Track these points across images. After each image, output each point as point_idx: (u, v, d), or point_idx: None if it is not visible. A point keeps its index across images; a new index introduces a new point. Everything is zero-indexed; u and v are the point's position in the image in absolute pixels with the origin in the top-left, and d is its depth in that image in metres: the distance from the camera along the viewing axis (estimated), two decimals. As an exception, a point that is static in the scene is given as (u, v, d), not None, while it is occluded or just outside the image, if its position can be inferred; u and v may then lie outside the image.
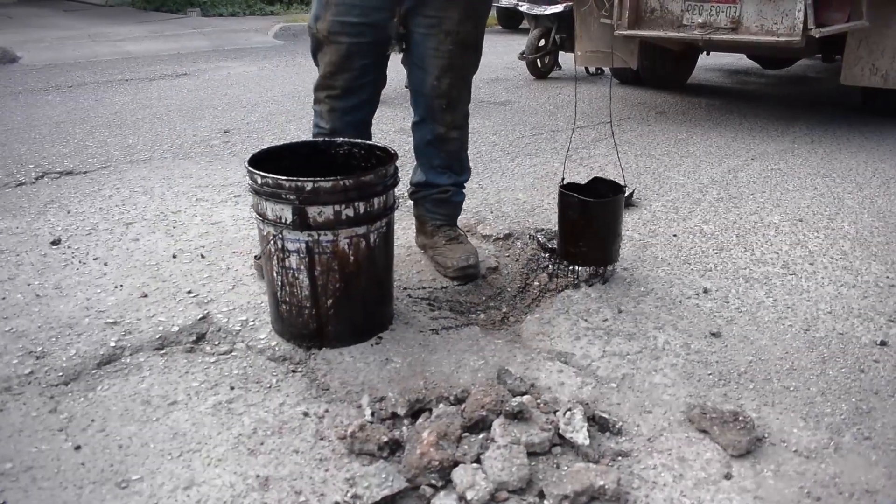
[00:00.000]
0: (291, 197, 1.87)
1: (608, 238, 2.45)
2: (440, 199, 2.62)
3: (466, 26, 2.34)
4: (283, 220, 1.91)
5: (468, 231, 2.99)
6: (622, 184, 2.47)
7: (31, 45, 8.08)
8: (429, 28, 2.31)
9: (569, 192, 2.42)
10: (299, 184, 1.86)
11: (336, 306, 2.02)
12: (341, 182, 1.88)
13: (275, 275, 2.02)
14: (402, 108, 5.29)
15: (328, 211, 1.90)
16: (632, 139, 4.70)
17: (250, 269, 2.55)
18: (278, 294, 2.04)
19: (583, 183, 2.57)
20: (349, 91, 2.36)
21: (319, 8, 2.28)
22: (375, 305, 2.14)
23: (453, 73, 2.40)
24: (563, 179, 2.52)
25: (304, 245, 1.93)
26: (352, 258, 1.98)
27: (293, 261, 1.96)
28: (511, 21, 12.88)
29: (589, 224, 2.43)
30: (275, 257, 1.98)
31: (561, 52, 7.25)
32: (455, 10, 2.29)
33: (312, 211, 1.89)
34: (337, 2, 2.24)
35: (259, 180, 1.92)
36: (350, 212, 1.92)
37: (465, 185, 2.73)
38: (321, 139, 2.32)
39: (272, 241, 1.96)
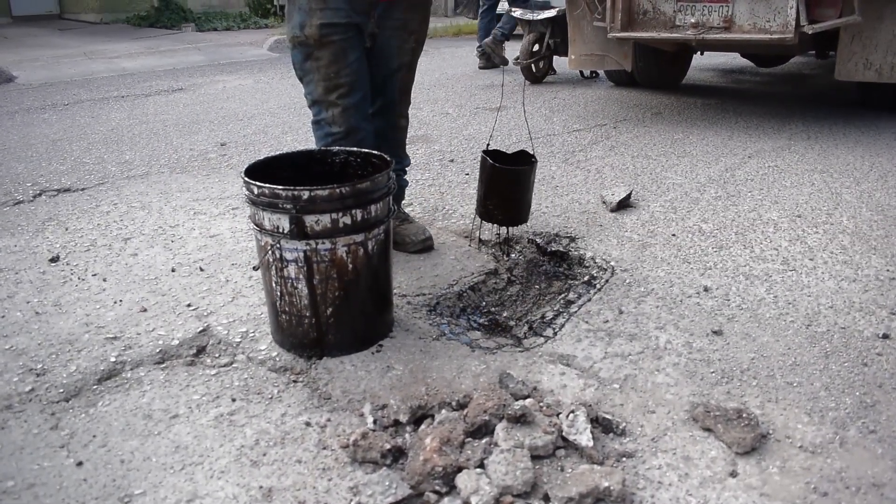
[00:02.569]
0: (288, 206, 1.87)
1: (514, 201, 2.77)
2: None
3: (424, 27, 2.66)
4: (281, 230, 1.91)
5: (465, 235, 2.99)
6: (534, 157, 2.80)
7: (26, 65, 8.10)
8: (395, 29, 2.55)
9: (486, 157, 2.74)
10: (296, 193, 1.86)
11: (336, 315, 2.01)
12: (338, 190, 1.88)
13: (273, 285, 2.01)
14: (397, 116, 5.28)
15: (325, 219, 1.89)
16: (628, 140, 4.70)
17: (249, 281, 2.55)
18: (277, 304, 2.03)
19: (508, 152, 2.91)
20: (354, 86, 2.48)
21: (303, 17, 2.39)
22: (375, 313, 2.13)
23: (410, 69, 2.70)
24: (487, 145, 2.89)
25: (302, 254, 1.93)
26: (350, 266, 1.97)
27: (292, 270, 1.95)
28: (505, 27, 12.90)
29: (499, 187, 2.74)
30: (273, 267, 1.98)
31: (556, 57, 7.26)
32: (416, 12, 2.59)
33: (310, 219, 1.89)
34: (322, 7, 2.36)
35: (256, 190, 1.91)
36: (347, 220, 1.92)
37: (407, 169, 2.96)
38: (317, 149, 2.32)
39: (270, 251, 1.96)
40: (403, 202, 3.01)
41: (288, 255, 1.94)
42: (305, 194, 1.86)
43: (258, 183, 1.90)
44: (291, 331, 2.05)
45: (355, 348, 2.08)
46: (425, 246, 2.82)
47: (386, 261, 2.12)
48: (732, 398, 1.85)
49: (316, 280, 1.96)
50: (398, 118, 2.75)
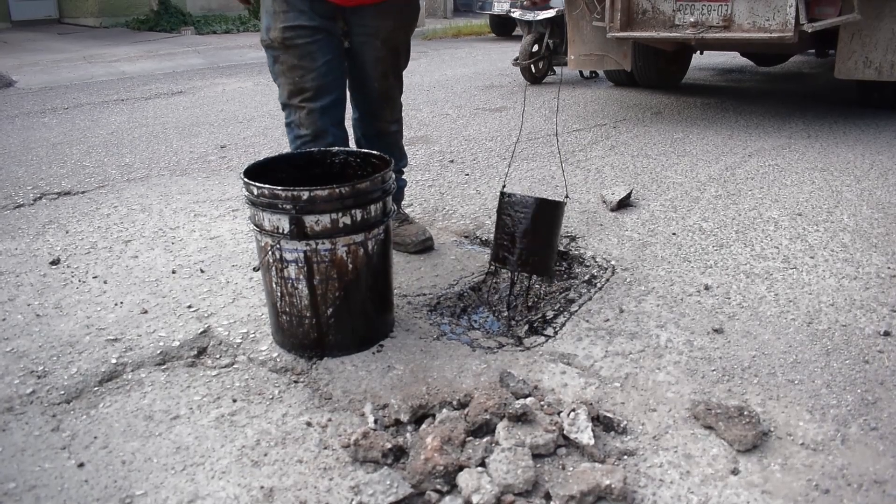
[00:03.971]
0: (288, 206, 1.87)
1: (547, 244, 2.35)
2: None
3: (399, 34, 2.56)
4: (281, 230, 1.91)
5: (466, 236, 2.99)
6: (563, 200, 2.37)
7: (26, 69, 8.11)
8: (367, 37, 2.48)
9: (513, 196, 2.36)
10: (296, 193, 1.86)
11: (336, 315, 2.01)
12: (338, 190, 1.88)
13: (274, 285, 2.01)
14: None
15: (325, 219, 1.89)
16: (628, 140, 4.70)
17: (250, 282, 2.55)
18: (278, 305, 2.03)
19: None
20: (321, 90, 2.42)
21: (268, 20, 2.38)
22: (376, 313, 2.13)
23: (392, 76, 2.62)
24: (503, 186, 2.51)
25: (302, 254, 1.93)
26: (350, 266, 1.97)
27: (292, 270, 1.95)
28: (504, 28, 12.95)
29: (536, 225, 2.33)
30: (273, 268, 1.98)
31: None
32: (388, 20, 2.48)
33: (310, 220, 1.89)
34: (285, 10, 2.34)
35: (255, 191, 1.91)
36: (347, 220, 1.92)
37: (405, 170, 2.93)
38: (317, 149, 2.31)
39: (270, 252, 1.96)
40: (403, 203, 3.01)
41: (288, 256, 1.94)
42: (305, 195, 1.86)
43: (257, 184, 1.91)
44: (292, 331, 2.05)
45: (356, 348, 2.07)
46: (425, 246, 2.81)
47: (386, 261, 2.12)
48: (733, 396, 1.85)
49: (316, 280, 1.96)
50: (385, 124, 2.71)
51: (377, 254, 2.04)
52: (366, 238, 1.98)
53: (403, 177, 2.93)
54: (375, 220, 1.99)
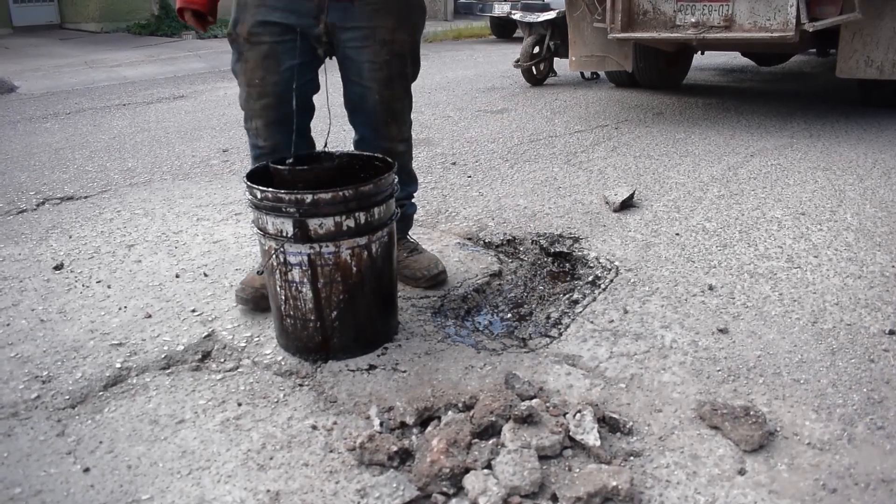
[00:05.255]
0: (292, 210, 1.87)
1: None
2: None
3: (401, 35, 2.23)
4: (285, 234, 1.91)
5: (469, 238, 2.99)
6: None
7: (28, 74, 8.12)
8: (362, 40, 2.18)
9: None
10: (299, 196, 1.86)
11: (340, 318, 2.01)
12: (341, 193, 1.88)
13: (278, 289, 2.01)
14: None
15: (329, 222, 1.89)
16: (630, 141, 4.70)
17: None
18: (282, 308, 2.03)
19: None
20: (283, 98, 2.20)
21: (239, 12, 2.18)
22: (381, 316, 2.13)
23: (395, 85, 2.28)
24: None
25: (306, 258, 1.93)
26: (354, 269, 1.97)
27: (296, 274, 1.95)
28: (504, 30, 12.95)
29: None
30: (277, 271, 1.98)
31: (556, 58, 7.27)
32: (387, 18, 2.18)
33: (313, 223, 1.89)
34: (258, 3, 2.13)
35: (259, 195, 1.91)
36: (351, 222, 1.92)
37: (415, 195, 2.65)
38: (320, 151, 2.30)
39: (274, 255, 1.96)
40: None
41: (292, 259, 1.94)
42: (308, 198, 1.86)
43: (261, 187, 1.91)
44: (296, 335, 2.05)
45: (361, 351, 2.07)
46: (438, 280, 2.50)
47: (390, 264, 2.12)
48: (739, 396, 1.84)
49: (320, 283, 1.96)
50: (391, 143, 2.36)
51: (381, 257, 2.04)
52: (370, 241, 1.98)
53: (413, 200, 2.63)
54: (379, 222, 1.99)
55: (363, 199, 1.92)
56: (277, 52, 2.16)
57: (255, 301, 2.31)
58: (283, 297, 2.01)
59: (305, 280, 1.95)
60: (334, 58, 2.30)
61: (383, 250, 2.04)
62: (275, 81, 2.19)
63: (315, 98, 2.34)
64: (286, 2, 2.11)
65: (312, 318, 2.00)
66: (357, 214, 1.92)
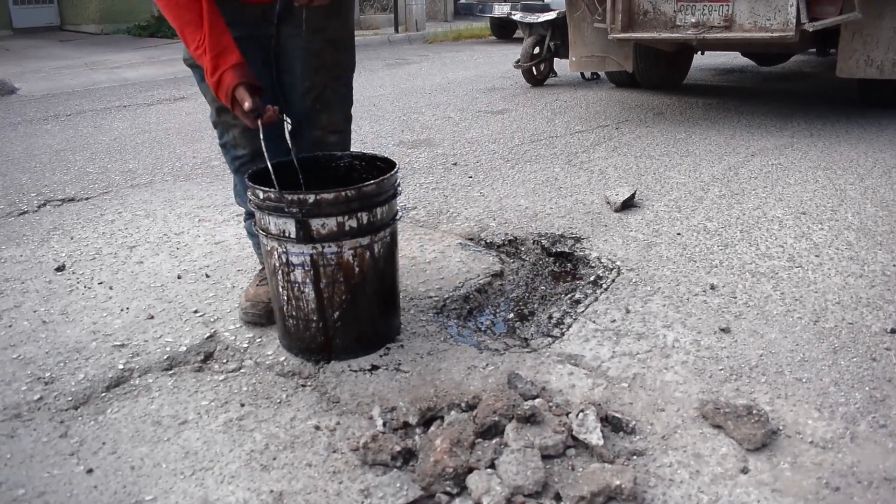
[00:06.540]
0: (294, 210, 1.87)
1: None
2: None
3: (334, 23, 2.19)
4: (287, 234, 1.91)
5: (471, 238, 2.99)
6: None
7: (28, 76, 8.12)
8: (294, 28, 2.13)
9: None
10: (302, 197, 1.86)
11: (343, 318, 2.01)
12: (344, 193, 1.88)
13: (280, 289, 2.01)
14: (400, 121, 5.31)
15: (331, 223, 1.90)
16: (631, 141, 4.70)
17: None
18: (284, 309, 2.03)
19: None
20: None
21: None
22: (383, 316, 2.13)
23: (326, 72, 2.23)
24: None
25: (308, 258, 1.93)
26: (357, 269, 1.97)
27: (298, 274, 1.95)
28: (505, 31, 12.96)
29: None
30: (279, 272, 1.98)
31: (556, 59, 7.28)
32: (322, 10, 2.09)
33: (316, 223, 1.89)
34: None
35: (261, 195, 1.91)
36: (353, 223, 1.92)
37: None
38: (321, 153, 2.28)
39: (277, 256, 1.96)
40: (408, 206, 2.99)
41: (294, 260, 1.94)
42: (311, 198, 1.86)
43: (263, 188, 1.91)
44: (299, 335, 2.05)
45: (363, 351, 2.07)
46: None
47: (392, 264, 2.12)
48: (742, 395, 1.84)
49: (322, 284, 1.96)
50: (320, 133, 2.30)
51: (383, 257, 2.04)
52: (372, 241, 1.98)
53: None
54: (382, 223, 1.99)
55: (366, 200, 1.92)
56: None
57: (269, 316, 2.24)
58: (286, 298, 2.01)
59: (308, 280, 1.96)
60: None
61: (385, 250, 2.04)
62: None
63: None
64: (232, 16, 2.01)
65: (315, 318, 2.00)
66: (360, 214, 1.92)
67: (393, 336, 2.17)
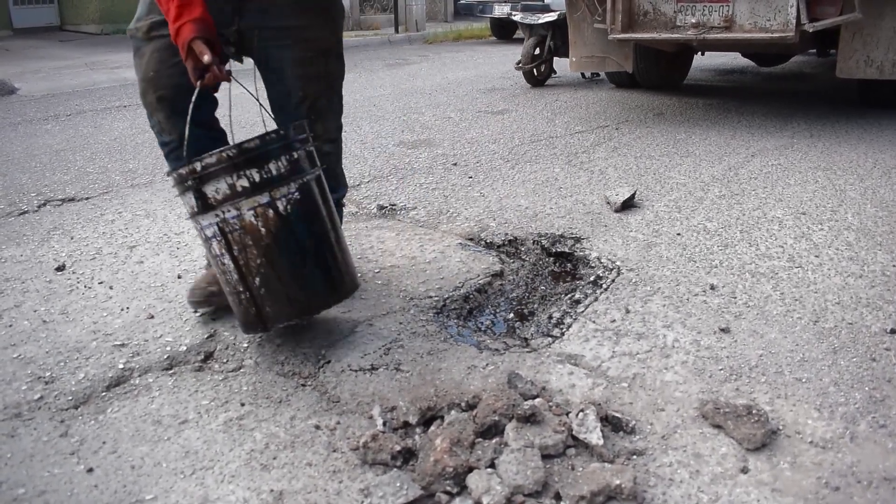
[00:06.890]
0: (190, 183, 1.87)
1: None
2: None
3: (325, 32, 2.21)
4: (195, 209, 1.91)
5: (471, 238, 2.99)
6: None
7: (28, 76, 8.12)
8: (283, 39, 2.13)
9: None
10: (191, 167, 1.85)
11: (265, 284, 1.94)
12: (225, 153, 1.85)
13: (216, 269, 2.00)
14: (400, 121, 5.32)
15: (223, 186, 1.86)
16: (630, 141, 4.70)
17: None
18: (224, 287, 2.02)
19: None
20: (180, 88, 2.04)
21: (142, 9, 2.09)
22: (314, 276, 2.03)
23: (319, 83, 2.24)
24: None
25: (216, 228, 1.90)
26: (263, 230, 1.90)
27: (216, 247, 1.93)
28: (505, 31, 12.98)
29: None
30: (207, 251, 1.98)
31: (556, 59, 7.29)
32: (308, 15, 2.14)
33: (210, 190, 1.87)
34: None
35: (171, 181, 1.93)
36: (245, 182, 1.86)
37: (343, 200, 2.58)
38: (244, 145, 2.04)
39: (199, 235, 1.96)
40: (408, 206, 3.00)
41: (207, 233, 1.92)
42: (198, 165, 1.84)
43: (167, 171, 1.92)
44: (238, 311, 2.01)
45: (299, 315, 2.04)
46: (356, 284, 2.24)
47: (312, 220, 2.00)
48: (741, 395, 1.85)
49: (235, 251, 1.91)
50: (318, 143, 2.22)
51: (294, 213, 1.94)
52: (272, 198, 1.90)
53: (342, 208, 2.56)
54: (278, 177, 1.90)
55: (249, 154, 1.87)
56: (174, 45, 1.96)
57: (209, 299, 2.27)
58: (221, 275, 1.99)
59: (224, 252, 1.92)
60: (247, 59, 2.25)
61: (297, 207, 1.94)
62: (170, 73, 2.07)
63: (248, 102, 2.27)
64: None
65: (241, 288, 1.95)
66: (248, 172, 1.86)
67: (342, 295, 2.09)
